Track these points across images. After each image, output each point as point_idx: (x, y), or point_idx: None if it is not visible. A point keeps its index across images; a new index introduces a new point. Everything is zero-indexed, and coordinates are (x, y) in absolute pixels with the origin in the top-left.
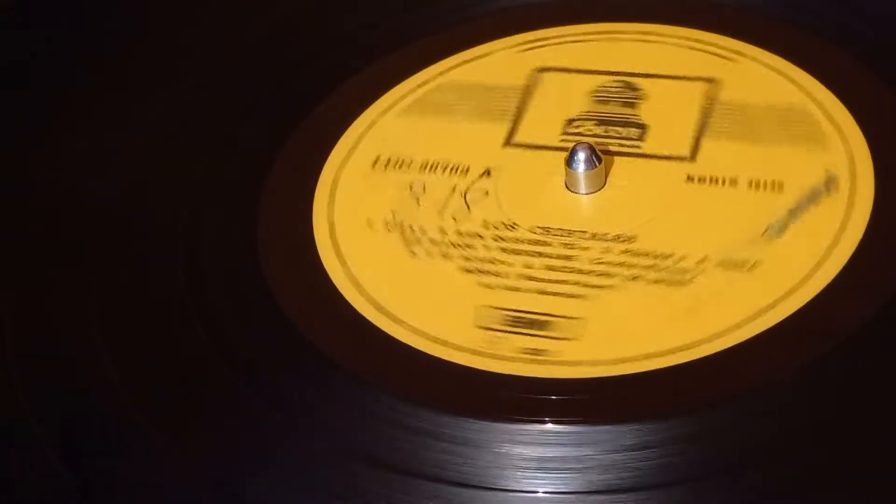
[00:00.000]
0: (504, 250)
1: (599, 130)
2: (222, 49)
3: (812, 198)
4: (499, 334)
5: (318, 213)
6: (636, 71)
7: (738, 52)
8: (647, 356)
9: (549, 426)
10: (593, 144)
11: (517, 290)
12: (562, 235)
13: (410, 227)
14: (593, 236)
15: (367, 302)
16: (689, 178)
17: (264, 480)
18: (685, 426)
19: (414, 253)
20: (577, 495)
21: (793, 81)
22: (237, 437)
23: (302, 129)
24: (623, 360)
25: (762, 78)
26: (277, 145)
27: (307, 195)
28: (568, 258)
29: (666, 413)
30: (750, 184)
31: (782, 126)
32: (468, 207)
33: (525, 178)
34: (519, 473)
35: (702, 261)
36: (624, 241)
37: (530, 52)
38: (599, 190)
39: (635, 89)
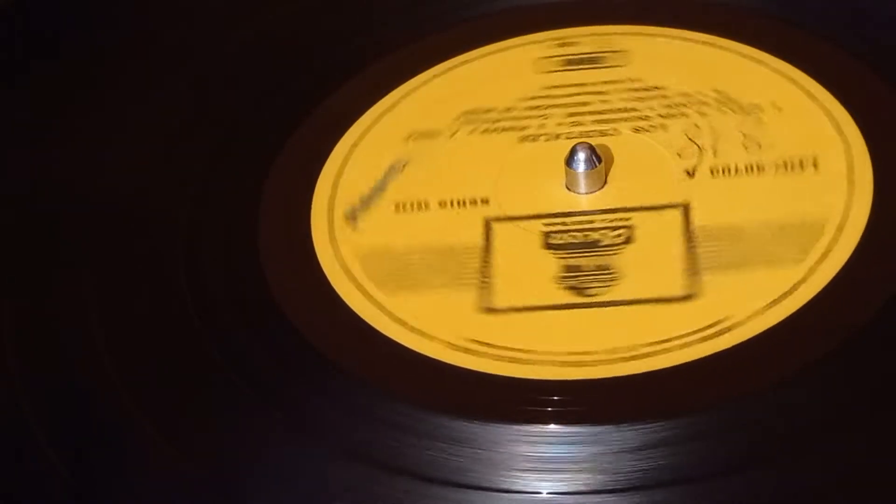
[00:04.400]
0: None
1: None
2: (222, 49)
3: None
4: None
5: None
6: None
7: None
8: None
9: (551, 426)
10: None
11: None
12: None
13: None
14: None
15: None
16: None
17: (264, 481)
18: (686, 426)
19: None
20: (578, 496)
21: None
22: (237, 438)
23: (303, 130)
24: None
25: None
26: (278, 145)
27: (307, 195)
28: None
29: (666, 413)
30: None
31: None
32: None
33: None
34: (519, 474)
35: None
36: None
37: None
38: (599, 189)
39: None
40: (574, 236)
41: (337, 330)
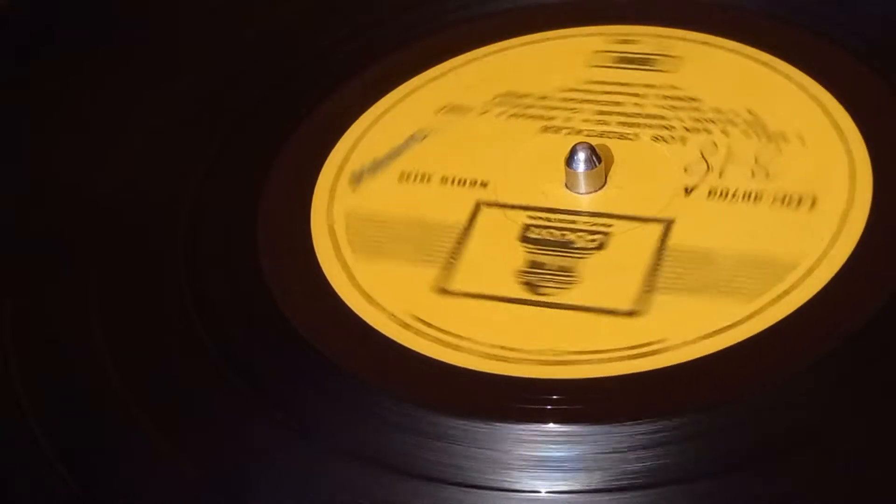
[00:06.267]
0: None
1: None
2: (222, 49)
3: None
4: None
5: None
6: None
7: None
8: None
9: (551, 426)
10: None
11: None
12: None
13: None
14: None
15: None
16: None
17: (264, 481)
18: (685, 426)
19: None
20: (578, 495)
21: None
22: (237, 438)
23: (302, 129)
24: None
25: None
26: (278, 145)
27: (307, 195)
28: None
29: (666, 413)
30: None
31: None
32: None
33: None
34: (520, 473)
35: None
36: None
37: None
38: (599, 189)
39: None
40: (551, 233)
41: (337, 330)
